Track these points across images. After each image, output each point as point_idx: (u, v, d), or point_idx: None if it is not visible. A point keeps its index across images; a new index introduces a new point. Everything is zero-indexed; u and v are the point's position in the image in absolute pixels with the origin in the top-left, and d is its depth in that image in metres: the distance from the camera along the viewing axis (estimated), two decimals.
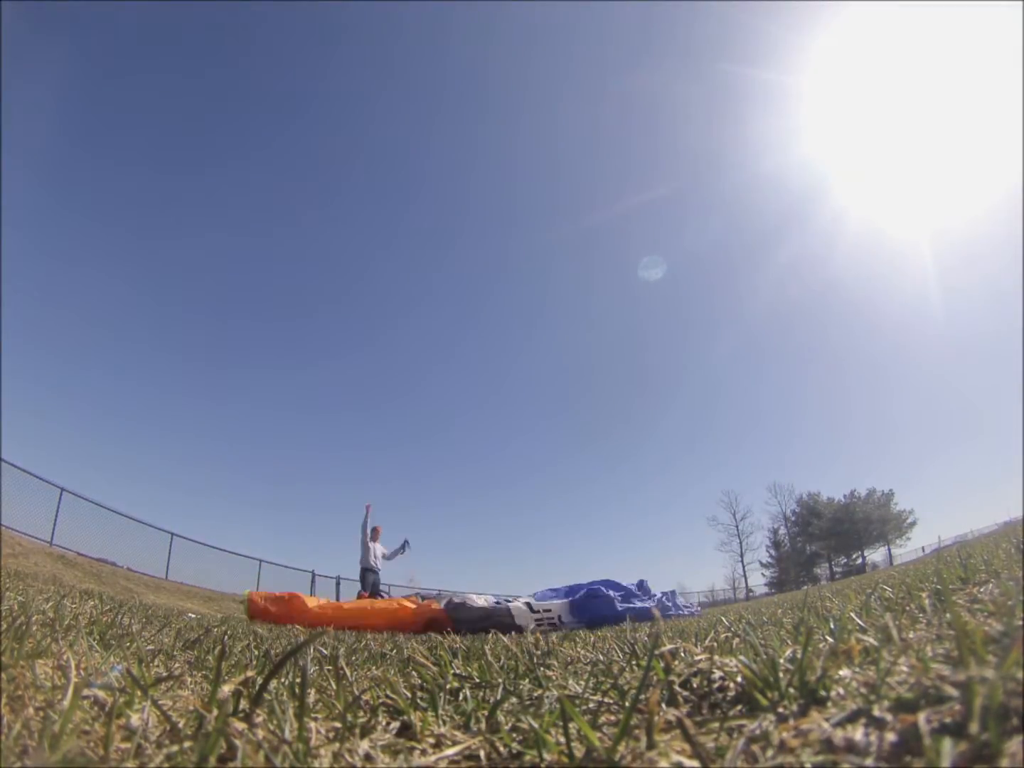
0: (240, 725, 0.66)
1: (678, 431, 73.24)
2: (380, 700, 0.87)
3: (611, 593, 6.97)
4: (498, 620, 5.51)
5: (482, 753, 0.67)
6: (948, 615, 0.98)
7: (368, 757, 0.66)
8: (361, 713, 0.83)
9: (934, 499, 54.86)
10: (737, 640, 1.31)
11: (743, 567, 48.00)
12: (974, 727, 0.48)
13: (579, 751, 0.62)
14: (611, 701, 0.81)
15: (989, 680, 0.52)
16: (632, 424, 75.25)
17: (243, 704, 0.73)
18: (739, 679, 0.76)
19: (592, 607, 6.67)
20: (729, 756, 0.54)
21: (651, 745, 0.60)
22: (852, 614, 1.34)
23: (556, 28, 63.96)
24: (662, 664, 0.82)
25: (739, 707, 0.71)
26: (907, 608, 1.37)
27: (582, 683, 0.99)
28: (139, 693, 0.78)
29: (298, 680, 0.88)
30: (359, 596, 10.20)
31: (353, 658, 1.72)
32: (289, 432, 68.59)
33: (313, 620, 5.77)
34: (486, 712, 0.80)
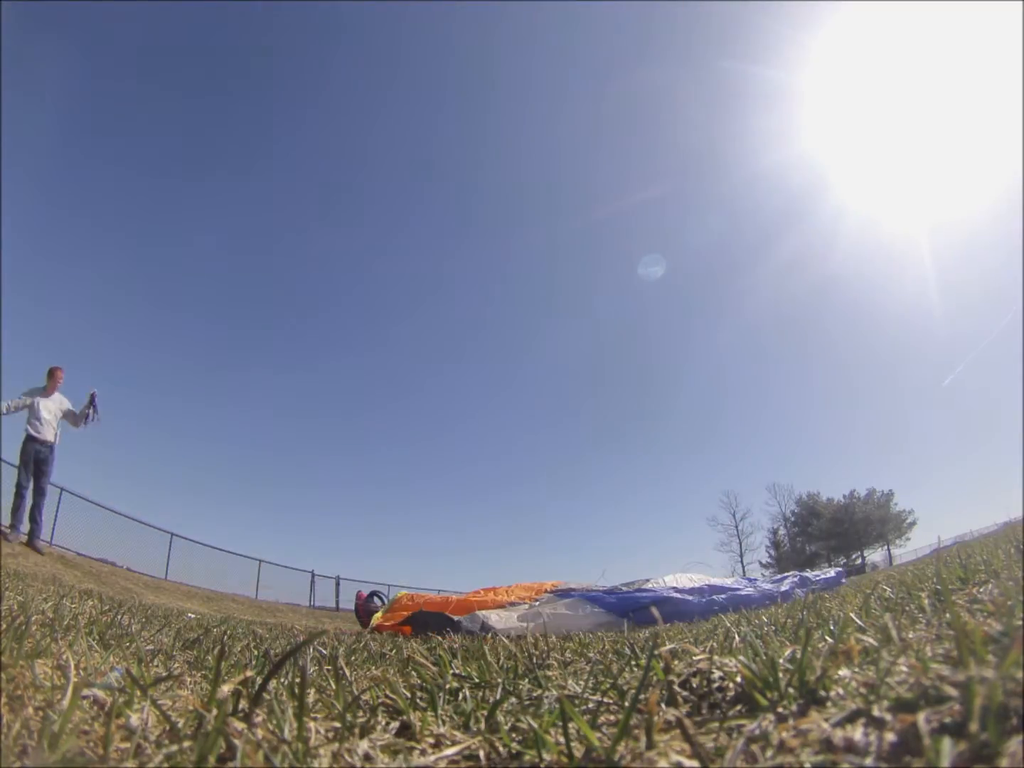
0: (239, 725, 0.66)
1: (678, 432, 73.28)
2: (379, 700, 0.87)
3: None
4: None
5: (481, 753, 0.67)
6: (948, 615, 0.98)
7: (367, 757, 0.65)
8: (360, 713, 0.83)
9: (934, 499, 54.90)
10: (737, 640, 1.31)
11: (743, 567, 47.99)
12: (974, 727, 0.48)
13: (578, 751, 0.62)
14: (610, 701, 0.81)
15: (989, 680, 0.52)
16: (632, 426, 75.30)
17: (242, 704, 0.73)
18: (739, 679, 0.76)
19: None
20: (728, 756, 0.54)
21: (650, 745, 0.60)
22: (852, 614, 1.34)
23: (557, 27, 64.04)
24: (661, 664, 0.82)
25: (739, 707, 0.71)
26: (906, 608, 1.37)
27: (581, 683, 0.99)
28: (138, 693, 0.78)
29: (297, 680, 0.88)
30: (358, 596, 10.08)
31: (352, 658, 1.72)
32: (289, 432, 68.65)
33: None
34: (485, 712, 0.80)
